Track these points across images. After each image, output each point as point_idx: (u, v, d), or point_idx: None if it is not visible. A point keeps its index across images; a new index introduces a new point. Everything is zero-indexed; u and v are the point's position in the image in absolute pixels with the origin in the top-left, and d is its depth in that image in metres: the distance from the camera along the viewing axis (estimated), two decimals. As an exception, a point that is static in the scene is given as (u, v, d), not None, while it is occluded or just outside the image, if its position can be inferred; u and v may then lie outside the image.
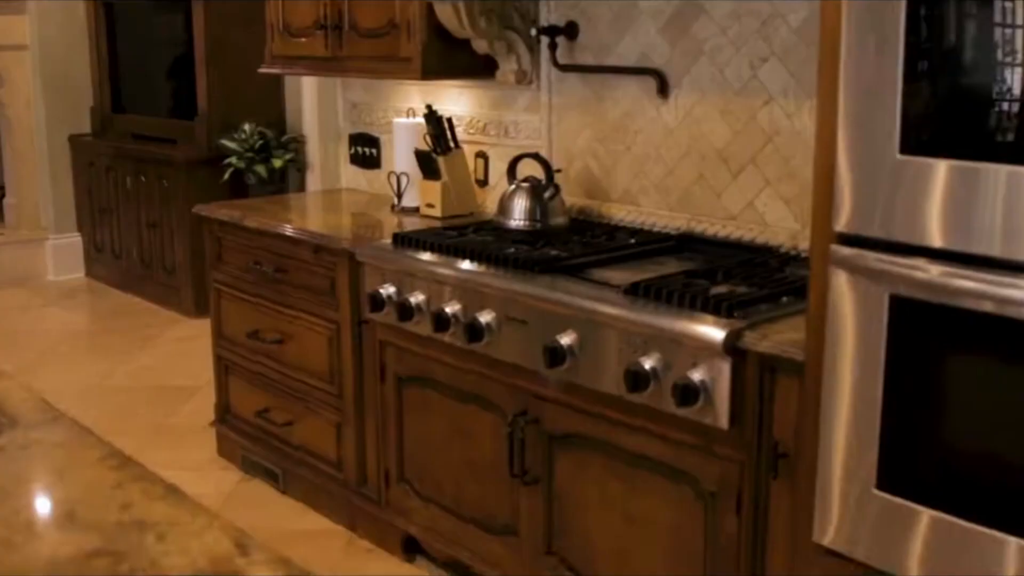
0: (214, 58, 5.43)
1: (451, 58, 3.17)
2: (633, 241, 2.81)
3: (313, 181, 4.23)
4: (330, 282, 3.11)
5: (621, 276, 2.49)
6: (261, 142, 5.32)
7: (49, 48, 6.27)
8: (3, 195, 6.76)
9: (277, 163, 5.27)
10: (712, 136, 2.79)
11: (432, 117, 3.26)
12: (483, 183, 3.44)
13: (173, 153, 5.60)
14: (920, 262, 1.70)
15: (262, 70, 3.74)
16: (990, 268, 1.62)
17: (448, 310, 2.64)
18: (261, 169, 5.25)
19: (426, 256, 2.76)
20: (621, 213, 3.03)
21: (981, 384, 1.69)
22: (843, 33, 1.76)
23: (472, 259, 2.66)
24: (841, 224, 1.81)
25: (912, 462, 1.77)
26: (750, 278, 2.37)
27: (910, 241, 1.72)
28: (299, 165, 5.14)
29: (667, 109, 2.88)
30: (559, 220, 2.97)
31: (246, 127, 5.25)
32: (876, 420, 1.80)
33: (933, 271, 1.68)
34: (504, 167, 3.13)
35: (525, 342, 2.47)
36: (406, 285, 2.79)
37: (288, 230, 3.21)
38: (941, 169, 1.66)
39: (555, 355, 2.35)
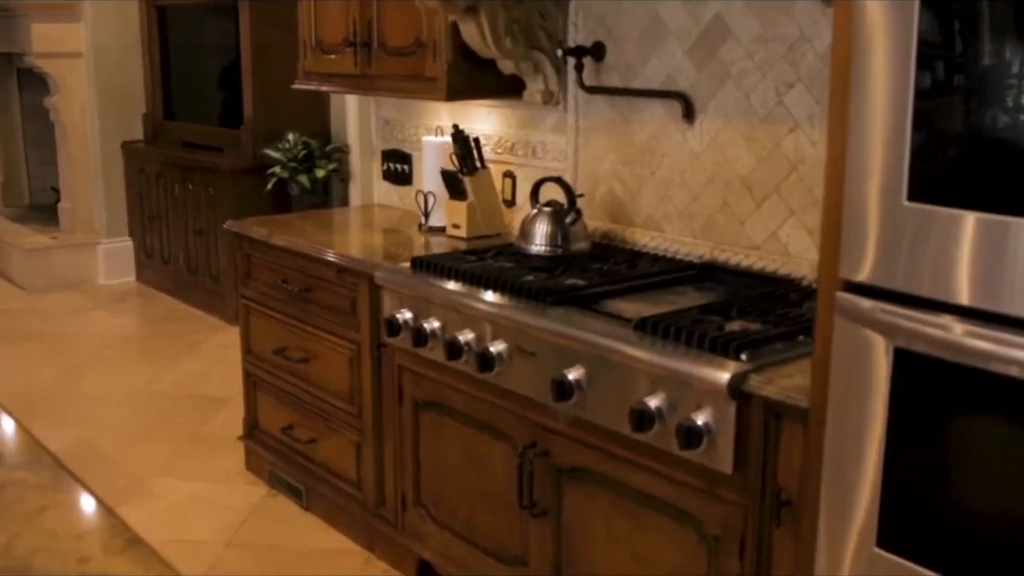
0: (260, 66, 5.46)
1: (478, 78, 3.13)
2: (654, 270, 2.75)
3: (355, 192, 4.21)
4: (351, 303, 3.09)
5: (635, 308, 2.44)
6: (305, 152, 5.34)
7: (104, 55, 6.36)
8: (59, 199, 6.86)
9: (320, 173, 5.28)
10: (737, 163, 2.72)
11: (458, 137, 3.23)
12: (510, 203, 3.40)
13: (219, 161, 5.65)
14: (925, 315, 1.63)
15: (295, 86, 3.74)
16: (999, 325, 1.54)
17: (461, 338, 2.60)
18: (304, 179, 5.27)
19: (442, 282, 2.72)
20: (645, 239, 2.97)
21: (982, 445, 1.61)
22: (852, 70, 1.69)
23: (486, 287, 2.63)
24: (846, 271, 1.74)
25: (913, 522, 1.69)
26: (767, 314, 2.30)
27: (916, 293, 1.64)
28: (342, 175, 5.15)
29: (692, 134, 2.82)
30: (581, 245, 2.92)
31: (290, 136, 5.27)
32: (877, 476, 1.73)
33: (937, 325, 1.61)
34: (531, 187, 3.08)
35: (534, 374, 2.43)
36: (422, 310, 2.76)
37: (311, 250, 3.20)
38: (949, 219, 1.58)
39: (562, 389, 2.30)
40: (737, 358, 2.05)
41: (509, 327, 2.49)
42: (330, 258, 3.12)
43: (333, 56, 3.51)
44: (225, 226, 3.66)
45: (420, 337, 2.72)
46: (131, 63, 6.43)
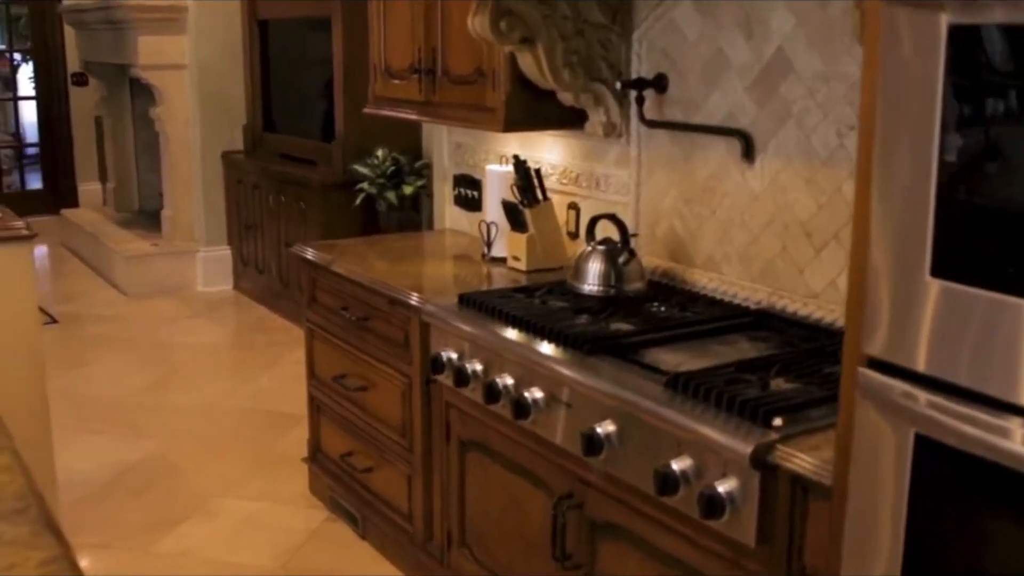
0: (351, 82, 5.47)
1: (538, 108, 3.06)
2: (707, 316, 2.64)
3: (440, 211, 4.17)
4: (405, 335, 3.05)
5: (676, 360, 2.34)
6: (394, 168, 5.34)
7: (207, 67, 6.50)
8: (161, 207, 7.03)
9: (407, 190, 5.27)
10: (796, 206, 2.58)
11: (520, 167, 3.16)
12: (574, 235, 3.32)
13: (310, 175, 5.70)
14: (948, 403, 1.49)
15: (366, 111, 3.72)
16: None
17: (500, 382, 2.54)
18: (391, 196, 5.27)
19: (486, 322, 2.66)
20: (704, 280, 2.86)
21: (1008, 541, 1.47)
22: (876, 137, 1.57)
23: (526, 330, 2.56)
24: (868, 346, 1.62)
25: (933, 623, 1.56)
26: (811, 374, 2.17)
27: (939, 376, 1.51)
28: (430, 192, 5.13)
29: (753, 174, 2.69)
30: (635, 286, 2.82)
31: (379, 152, 5.27)
32: (898, 564, 1.60)
33: (960, 416, 1.47)
34: (587, 224, 3.00)
35: (568, 425, 2.35)
36: (466, 350, 2.70)
37: (366, 280, 3.18)
38: (971, 299, 1.45)
39: (592, 444, 2.21)
40: (766, 425, 1.94)
41: (546, 375, 2.41)
42: (384, 289, 3.09)
43: (400, 82, 3.48)
44: (292, 249, 3.67)
45: (462, 377, 2.67)
46: (233, 75, 6.55)
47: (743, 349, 2.45)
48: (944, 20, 1.45)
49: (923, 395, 1.53)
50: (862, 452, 1.65)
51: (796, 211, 2.59)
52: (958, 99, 1.47)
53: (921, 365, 1.53)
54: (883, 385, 1.59)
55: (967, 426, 1.46)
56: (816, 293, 2.55)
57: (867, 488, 1.65)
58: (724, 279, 2.80)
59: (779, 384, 2.14)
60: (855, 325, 1.66)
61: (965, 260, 1.48)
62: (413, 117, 3.45)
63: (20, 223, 3.18)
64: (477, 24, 2.79)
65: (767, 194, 2.66)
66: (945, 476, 1.53)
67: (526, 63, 2.91)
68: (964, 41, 1.45)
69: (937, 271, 1.50)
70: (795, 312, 2.59)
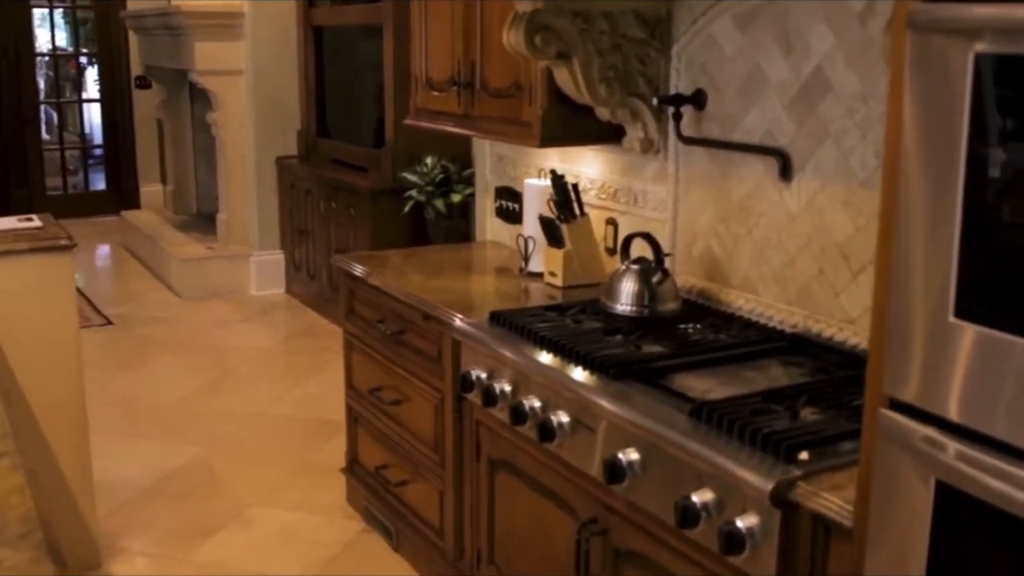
0: (402, 88, 5.46)
1: (576, 123, 3.02)
2: (740, 339, 2.58)
3: (482, 222, 4.15)
4: (438, 351, 3.03)
5: (704, 386, 2.29)
6: (442, 176, 5.32)
7: (262, 73, 6.55)
8: (216, 211, 7.10)
9: (456, 198, 5.25)
10: (833, 228, 2.51)
11: (557, 182, 3.12)
12: (612, 251, 3.27)
13: (359, 182, 5.70)
14: (969, 450, 1.43)
15: (406, 122, 3.71)
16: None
17: (526, 404, 2.50)
18: (440, 203, 5.25)
19: (515, 341, 2.63)
20: (740, 301, 2.80)
21: (1032, 603, 1.41)
22: (900, 169, 1.51)
23: (554, 352, 2.52)
24: (890, 386, 1.56)
25: None
26: (843, 405, 2.10)
27: (962, 422, 1.44)
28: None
29: (790, 193, 2.63)
30: (669, 306, 2.77)
31: (428, 160, 5.26)
32: (917, 617, 1.54)
33: (980, 464, 1.41)
34: (621, 243, 2.95)
35: (592, 451, 2.31)
36: (494, 369, 2.67)
37: (402, 294, 3.16)
38: (994, 343, 1.38)
39: (614, 471, 2.17)
40: (789, 460, 1.88)
41: (572, 399, 2.37)
42: (418, 304, 3.07)
43: (440, 94, 3.46)
44: (332, 260, 3.66)
45: (490, 397, 2.64)
46: (288, 81, 6.59)
47: (775, 375, 2.39)
48: (973, 49, 1.39)
49: (944, 440, 1.46)
50: (882, 496, 1.59)
51: (833, 233, 2.52)
52: (985, 131, 1.40)
53: (944, 410, 1.47)
54: (904, 428, 1.53)
55: (991, 478, 1.39)
56: (852, 319, 2.48)
57: (888, 533, 1.59)
58: (760, 300, 2.74)
59: (808, 414, 2.08)
60: (876, 363, 1.60)
61: (991, 302, 1.41)
62: (452, 130, 3.43)
63: (62, 233, 3.21)
64: (512, 39, 2.76)
65: (804, 215, 2.59)
66: (968, 526, 1.47)
67: (562, 78, 2.87)
68: (993, 72, 1.38)
69: (961, 312, 1.44)
70: (831, 337, 2.52)
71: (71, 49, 10.02)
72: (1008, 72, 1.36)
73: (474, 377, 2.73)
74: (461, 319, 2.86)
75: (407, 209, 5.38)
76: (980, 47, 1.38)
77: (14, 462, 1.87)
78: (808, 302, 2.60)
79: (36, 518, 1.66)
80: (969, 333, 1.42)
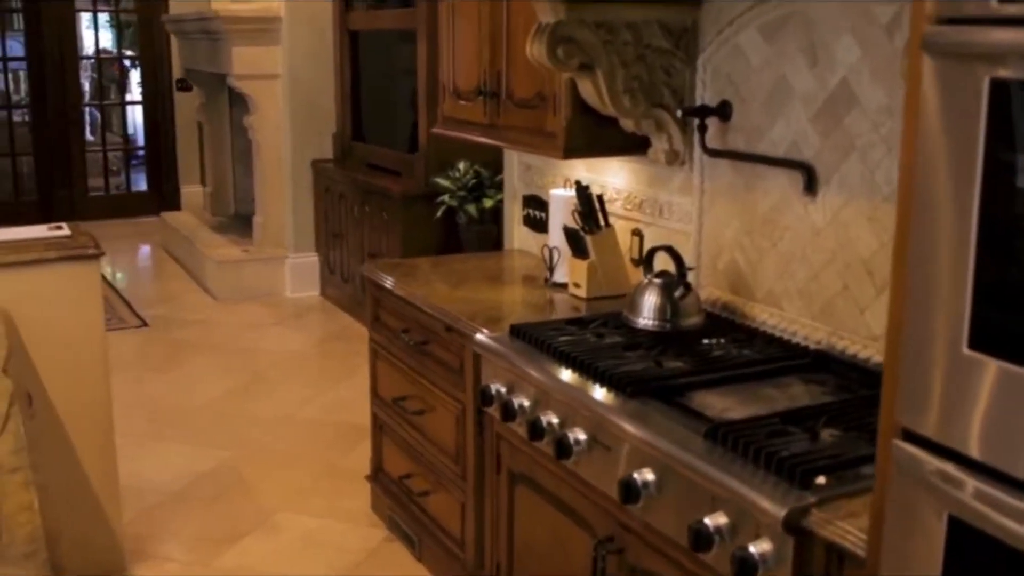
0: (435, 94, 5.45)
1: (599, 134, 2.99)
2: (763, 355, 2.54)
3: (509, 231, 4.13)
4: (460, 363, 3.02)
5: (724, 404, 2.26)
6: (475, 180, 5.31)
7: (298, 77, 6.59)
8: (253, 214, 7.14)
9: (488, 203, 5.24)
10: (858, 244, 2.47)
11: (582, 193, 3.10)
12: (638, 262, 3.23)
13: (391, 186, 5.71)
14: (981, 484, 1.39)
15: (434, 131, 3.70)
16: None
17: (544, 419, 2.48)
18: (472, 208, 5.24)
19: (535, 355, 2.61)
20: (764, 315, 2.75)
21: (1044, 644, 1.36)
22: (916, 193, 1.47)
23: (573, 367, 2.49)
24: (903, 416, 1.52)
25: None
26: (864, 426, 2.06)
27: (975, 456, 1.40)
28: (507, 207, 5.09)
29: (815, 208, 2.58)
30: (692, 320, 2.73)
31: (461, 165, 5.25)
32: (929, 653, 1.50)
33: (991, 501, 1.37)
34: (644, 256, 2.92)
35: (609, 469, 2.28)
36: (514, 383, 2.65)
37: (426, 304, 3.16)
38: (1009, 376, 1.34)
39: (629, 491, 2.14)
40: (804, 486, 1.85)
41: (589, 416, 2.35)
42: (440, 315, 3.06)
43: (466, 103, 3.45)
44: (361, 270, 3.66)
45: (508, 411, 2.62)
46: (324, 85, 6.62)
47: (796, 394, 2.35)
48: (989, 74, 1.35)
49: (957, 475, 1.42)
50: (895, 528, 1.56)
51: (858, 248, 2.47)
52: (1002, 158, 1.36)
53: (955, 443, 1.43)
54: (916, 459, 1.49)
55: (1007, 518, 1.35)
56: (877, 336, 2.43)
57: (900, 565, 1.55)
58: (784, 315, 2.70)
59: (828, 436, 2.04)
60: (889, 392, 1.56)
61: (1008, 334, 1.37)
62: (479, 139, 3.41)
63: (90, 242, 3.24)
64: (535, 50, 2.74)
65: (829, 229, 2.55)
66: (982, 565, 1.42)
67: (586, 89, 2.84)
68: (1010, 97, 1.34)
69: (977, 344, 1.39)
70: (855, 355, 2.48)
71: (115, 52, 10.14)
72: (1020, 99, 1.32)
73: (494, 391, 2.71)
74: (482, 332, 2.84)
75: (439, 214, 5.38)
76: (997, 72, 1.34)
77: (27, 478, 1.88)
78: (832, 318, 2.56)
79: (43, 537, 1.67)
80: (987, 366, 1.38)
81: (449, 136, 3.61)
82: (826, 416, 2.11)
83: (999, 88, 1.34)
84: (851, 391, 2.33)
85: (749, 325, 2.77)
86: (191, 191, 9.24)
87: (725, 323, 2.79)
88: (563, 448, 2.38)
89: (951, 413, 1.43)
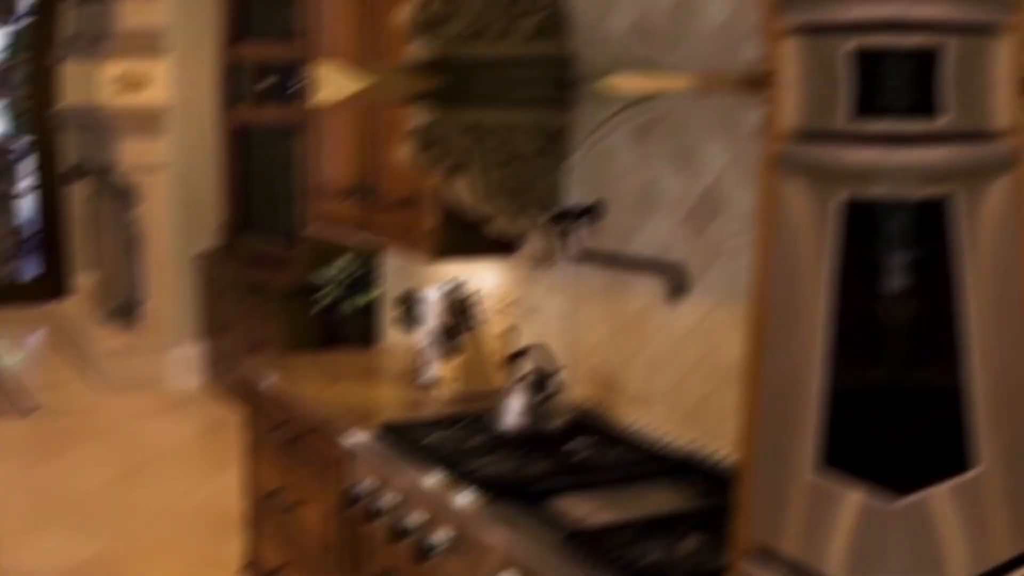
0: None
1: (469, 236, 2.97)
2: (627, 459, 2.54)
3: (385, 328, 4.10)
4: (328, 461, 2.96)
5: (586, 509, 2.24)
6: (358, 273, 5.26)
7: (184, 169, 6.59)
8: (139, 303, 7.03)
9: (366, 298, 5.17)
10: (723, 349, 2.49)
11: (451, 294, 3.11)
12: (509, 361, 3.22)
13: (272, 280, 5.67)
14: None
15: (307, 232, 3.69)
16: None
17: (405, 521, 2.44)
18: (353, 303, 5.20)
19: (399, 456, 2.58)
20: (631, 418, 2.75)
21: None
22: (768, 312, 1.49)
23: (437, 469, 2.46)
24: (751, 538, 1.52)
25: None
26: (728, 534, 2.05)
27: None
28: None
29: (681, 312, 2.61)
30: (558, 422, 2.72)
31: (340, 261, 5.22)
32: None
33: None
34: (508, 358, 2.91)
35: (469, 572, 2.24)
36: (378, 483, 2.61)
37: (296, 402, 3.12)
38: (848, 497, 1.35)
39: (488, 599, 2.10)
40: (661, 596, 1.83)
41: (450, 518, 2.31)
42: (311, 414, 3.02)
43: (341, 202, 3.44)
44: (239, 369, 3.60)
45: (371, 511, 2.57)
46: (211, 177, 6.62)
47: (660, 500, 2.34)
48: (837, 195, 1.38)
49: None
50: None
51: (723, 355, 2.49)
52: (849, 278, 1.38)
53: (802, 559, 1.43)
54: None
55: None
56: (740, 440, 2.45)
57: None
58: (651, 418, 2.70)
59: (690, 544, 2.03)
60: (740, 510, 1.56)
61: (855, 456, 1.38)
62: (352, 238, 3.40)
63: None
64: (405, 154, 2.74)
65: (695, 334, 2.57)
66: None
67: (456, 191, 2.85)
68: (858, 217, 1.36)
69: (822, 467, 1.40)
70: (721, 460, 2.48)
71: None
72: (871, 218, 1.35)
73: (359, 491, 2.66)
74: (352, 431, 2.80)
75: (318, 309, 5.33)
76: (846, 192, 1.37)
77: None
78: (699, 423, 2.57)
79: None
80: (829, 491, 1.38)
81: (324, 236, 3.60)
82: (689, 523, 2.10)
83: (846, 208, 1.36)
84: (716, 497, 2.32)
85: (616, 427, 2.76)
86: (83, 278, 9.06)
87: (592, 425, 2.78)
88: (422, 550, 2.33)
89: (803, 538, 1.43)
